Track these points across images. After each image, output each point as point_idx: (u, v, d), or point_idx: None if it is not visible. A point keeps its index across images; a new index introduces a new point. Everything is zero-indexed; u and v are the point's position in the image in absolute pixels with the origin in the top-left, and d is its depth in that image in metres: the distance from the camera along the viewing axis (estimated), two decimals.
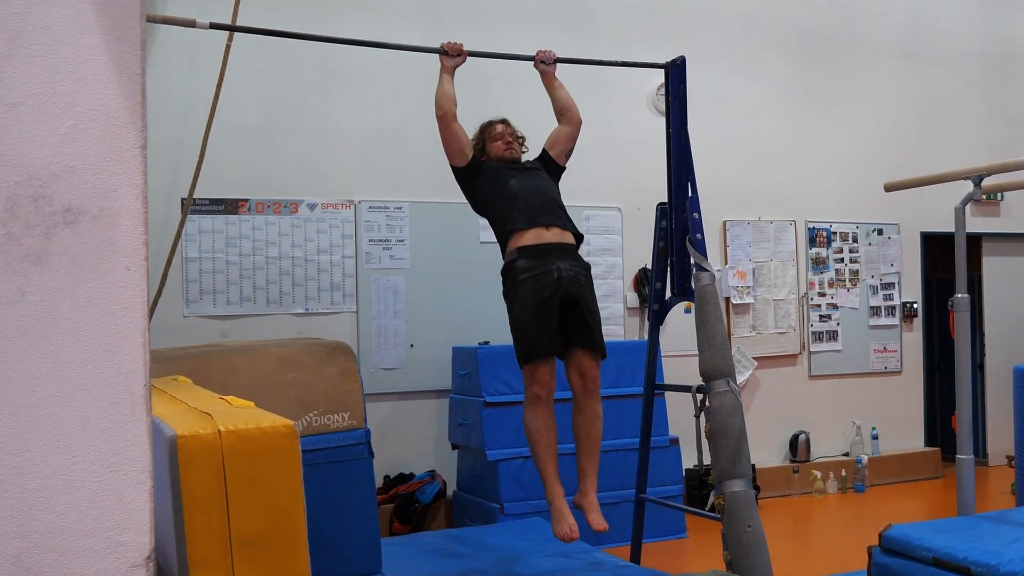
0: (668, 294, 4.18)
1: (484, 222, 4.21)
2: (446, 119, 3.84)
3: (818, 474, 6.88)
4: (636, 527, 4.37)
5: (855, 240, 7.42)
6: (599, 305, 3.91)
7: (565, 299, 3.69)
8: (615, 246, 6.55)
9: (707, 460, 3.70)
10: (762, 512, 3.88)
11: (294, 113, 5.78)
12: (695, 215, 3.91)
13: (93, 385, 1.33)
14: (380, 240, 5.93)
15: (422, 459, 5.93)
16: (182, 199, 5.33)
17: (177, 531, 1.76)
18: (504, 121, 4.13)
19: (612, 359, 5.59)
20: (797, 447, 6.98)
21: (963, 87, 7.82)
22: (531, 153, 4.21)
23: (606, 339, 3.93)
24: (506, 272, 3.81)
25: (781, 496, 6.78)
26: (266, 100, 5.70)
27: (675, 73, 4.07)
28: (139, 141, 1.36)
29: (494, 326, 5.44)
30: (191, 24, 3.47)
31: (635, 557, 4.34)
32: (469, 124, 4.10)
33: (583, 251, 4.04)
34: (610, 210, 6.55)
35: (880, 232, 7.50)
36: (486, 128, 4.11)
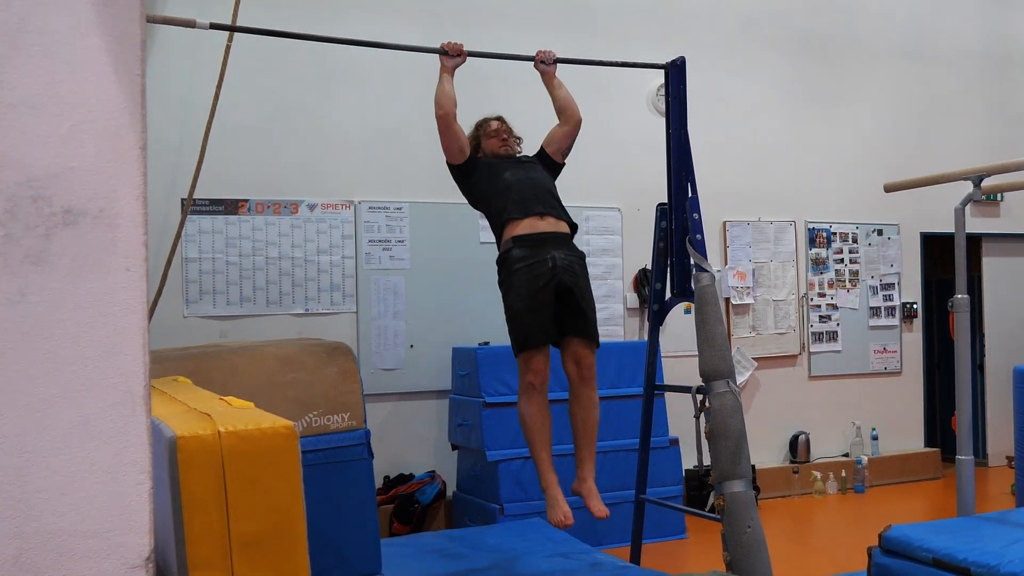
0: (668, 295, 4.18)
1: (484, 223, 4.22)
2: (447, 119, 3.86)
3: (818, 475, 6.88)
4: (636, 528, 4.36)
5: (855, 241, 7.42)
6: (601, 305, 3.93)
7: (560, 288, 3.72)
8: (615, 246, 6.55)
9: (707, 461, 3.70)
10: (762, 513, 3.87)
11: (294, 113, 5.78)
12: (695, 215, 3.91)
13: (93, 386, 1.33)
14: (380, 240, 5.93)
15: (422, 460, 5.93)
16: (182, 199, 5.33)
17: (177, 532, 1.76)
18: (499, 118, 4.16)
19: (612, 359, 5.64)
20: (797, 448, 6.97)
21: (963, 87, 7.82)
22: (529, 152, 4.21)
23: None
24: (501, 261, 3.84)
25: (781, 497, 6.78)
26: (266, 100, 5.70)
27: (675, 73, 4.07)
28: (139, 142, 1.36)
29: (494, 327, 5.44)
30: (191, 24, 3.46)
31: (635, 558, 4.33)
32: (468, 125, 4.11)
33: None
34: (610, 210, 6.55)
35: (880, 232, 7.50)
36: (482, 125, 4.15)
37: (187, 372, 3.18)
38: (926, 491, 7.05)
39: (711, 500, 3.69)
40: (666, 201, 4.11)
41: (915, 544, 3.14)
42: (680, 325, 6.00)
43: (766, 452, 6.87)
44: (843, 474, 6.99)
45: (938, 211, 6.79)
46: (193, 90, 5.43)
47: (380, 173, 5.96)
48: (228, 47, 5.11)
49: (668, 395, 5.56)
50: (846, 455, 7.21)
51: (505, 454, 5.33)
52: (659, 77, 5.40)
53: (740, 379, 6.68)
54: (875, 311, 7.46)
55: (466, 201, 4.13)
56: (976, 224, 7.59)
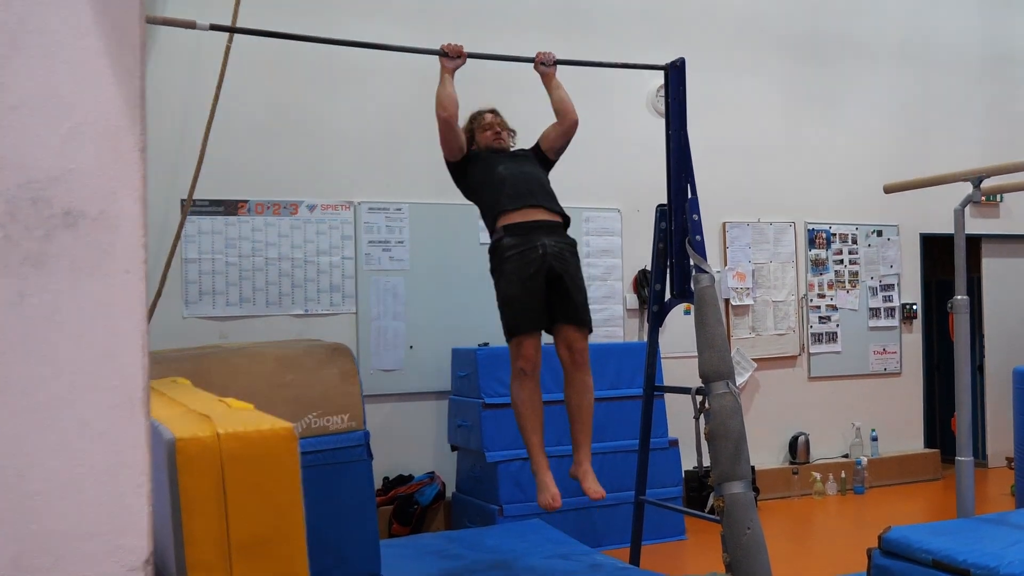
0: (668, 296, 4.18)
1: (483, 224, 4.23)
2: (449, 121, 3.89)
3: (817, 476, 6.88)
4: (635, 529, 4.36)
5: (854, 241, 7.42)
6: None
7: (551, 274, 3.76)
8: (615, 248, 6.55)
9: (706, 462, 3.70)
10: (761, 514, 3.88)
11: (294, 114, 5.77)
12: (695, 217, 3.92)
13: (92, 388, 1.32)
14: (380, 241, 5.93)
15: (421, 461, 5.93)
16: (182, 200, 5.33)
17: (176, 534, 1.75)
18: (493, 111, 4.19)
19: (611, 360, 5.64)
20: (796, 449, 6.97)
21: (963, 87, 7.82)
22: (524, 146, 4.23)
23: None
24: (493, 250, 3.89)
25: (781, 498, 6.78)
26: (266, 101, 5.70)
27: (675, 75, 4.07)
28: (139, 144, 1.36)
29: (493, 327, 5.39)
30: (191, 25, 3.46)
31: (634, 559, 4.33)
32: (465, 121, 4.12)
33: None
34: (610, 211, 6.55)
35: (879, 233, 7.50)
36: (476, 117, 4.17)
37: (186, 373, 3.18)
38: (926, 492, 7.04)
39: (711, 501, 3.70)
40: (666, 202, 4.11)
41: (915, 545, 3.15)
42: (680, 326, 5.99)
43: (766, 453, 6.87)
44: (843, 475, 6.99)
45: (938, 212, 6.79)
46: (193, 90, 5.43)
47: (380, 174, 5.96)
48: (228, 48, 5.11)
49: (668, 396, 5.56)
50: (846, 456, 7.21)
51: (504, 455, 5.33)
52: (659, 78, 5.40)
53: (740, 380, 6.68)
54: (875, 312, 7.46)
55: (466, 201, 4.16)
56: (976, 225, 7.59)
